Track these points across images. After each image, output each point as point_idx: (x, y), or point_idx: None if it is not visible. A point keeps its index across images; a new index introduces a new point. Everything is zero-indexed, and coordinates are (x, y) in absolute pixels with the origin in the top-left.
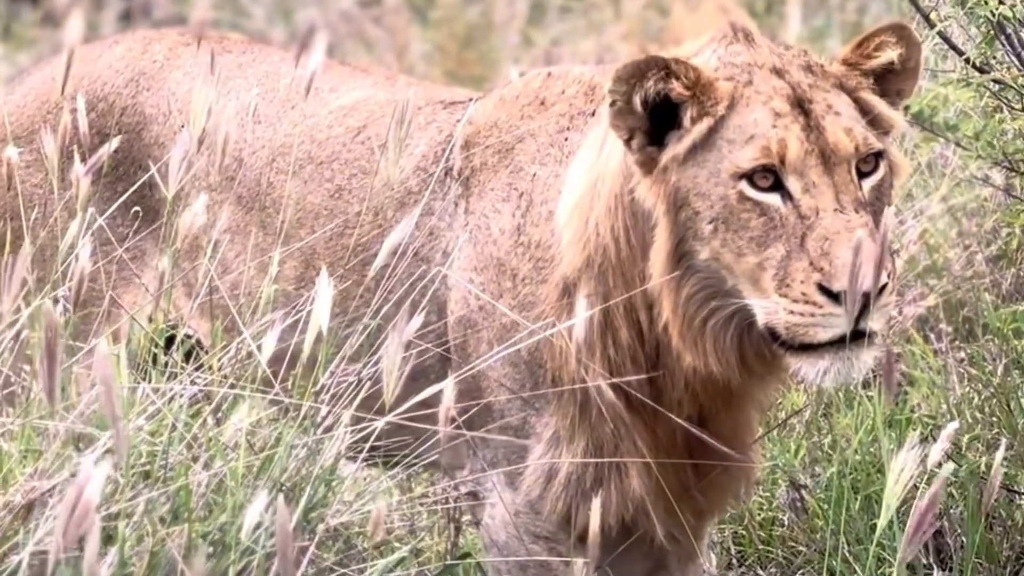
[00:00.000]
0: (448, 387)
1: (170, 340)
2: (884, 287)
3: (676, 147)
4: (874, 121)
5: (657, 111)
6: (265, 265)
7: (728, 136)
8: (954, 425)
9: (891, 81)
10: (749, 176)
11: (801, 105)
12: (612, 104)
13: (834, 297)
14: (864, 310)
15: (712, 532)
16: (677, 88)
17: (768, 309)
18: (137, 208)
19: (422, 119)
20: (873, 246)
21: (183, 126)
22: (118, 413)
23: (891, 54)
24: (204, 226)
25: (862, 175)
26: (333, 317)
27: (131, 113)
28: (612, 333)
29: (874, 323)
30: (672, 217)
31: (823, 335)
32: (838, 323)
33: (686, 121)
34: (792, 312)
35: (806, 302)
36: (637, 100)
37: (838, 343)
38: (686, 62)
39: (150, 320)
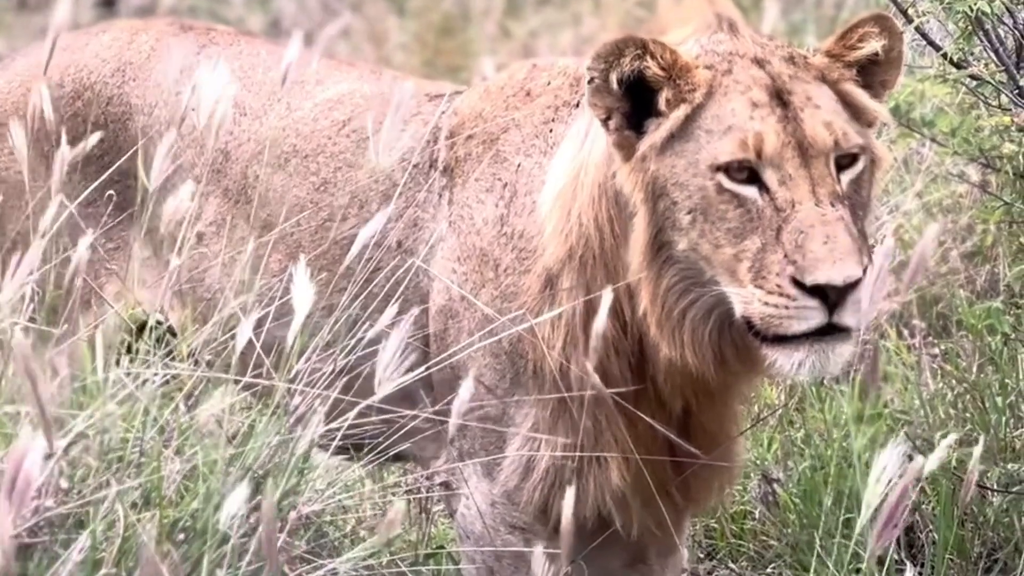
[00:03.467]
0: (466, 387)
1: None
2: (858, 281)
3: (654, 135)
4: (857, 113)
5: (635, 93)
6: (251, 259)
7: (706, 126)
8: (953, 437)
9: (875, 72)
10: (726, 168)
11: (780, 96)
12: (590, 82)
13: (807, 290)
14: (839, 304)
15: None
16: (652, 68)
17: (745, 299)
18: (112, 193)
19: (407, 112)
20: (848, 240)
21: (185, 116)
22: (45, 410)
23: (875, 45)
24: (190, 218)
25: (841, 168)
26: (313, 307)
27: (117, 103)
28: (596, 324)
29: (850, 317)
30: (651, 207)
31: (797, 327)
32: (812, 316)
33: (662, 105)
34: (767, 304)
35: (780, 294)
36: (614, 78)
37: (813, 336)
38: (664, 44)
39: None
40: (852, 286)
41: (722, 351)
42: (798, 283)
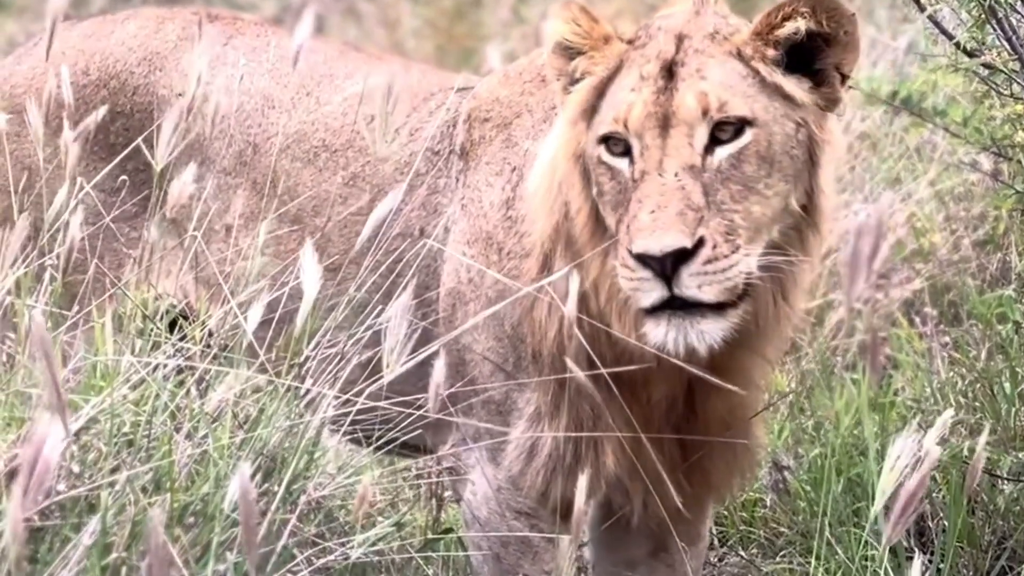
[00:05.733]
0: (438, 366)
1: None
2: (685, 252)
3: (571, 102)
4: (783, 93)
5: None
6: (280, 252)
7: (608, 99)
8: (949, 413)
9: (827, 55)
10: (605, 140)
11: (670, 69)
12: (549, 41)
13: (637, 260)
14: (673, 275)
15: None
16: (566, 34)
17: None
18: (125, 179)
19: (433, 104)
20: (677, 209)
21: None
22: (61, 393)
23: (798, 24)
24: (205, 206)
25: (720, 141)
26: (339, 299)
27: (143, 93)
28: (585, 303)
29: (691, 290)
30: (583, 180)
31: (644, 300)
32: (650, 287)
33: (577, 73)
34: (621, 276)
35: (623, 265)
36: (553, 40)
37: (669, 308)
38: (588, 13)
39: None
40: (681, 257)
41: None
42: (631, 253)
